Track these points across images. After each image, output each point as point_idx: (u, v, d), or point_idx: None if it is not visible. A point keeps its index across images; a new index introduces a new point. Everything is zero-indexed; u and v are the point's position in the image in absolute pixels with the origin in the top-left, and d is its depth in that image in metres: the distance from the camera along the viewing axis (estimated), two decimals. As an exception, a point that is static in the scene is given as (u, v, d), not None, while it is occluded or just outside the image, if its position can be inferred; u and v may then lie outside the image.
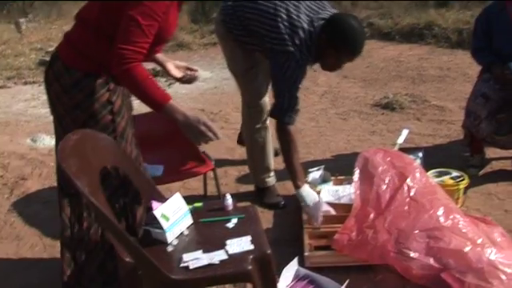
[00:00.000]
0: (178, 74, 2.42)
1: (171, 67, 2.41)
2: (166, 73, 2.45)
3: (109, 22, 1.92)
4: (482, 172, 3.45)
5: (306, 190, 2.78)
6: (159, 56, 2.35)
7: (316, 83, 5.75)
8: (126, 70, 1.84)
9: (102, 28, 1.95)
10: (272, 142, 3.17)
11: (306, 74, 2.73)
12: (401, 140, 3.00)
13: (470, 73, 5.38)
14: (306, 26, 2.59)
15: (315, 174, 3.10)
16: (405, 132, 3.09)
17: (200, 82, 6.31)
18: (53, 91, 2.05)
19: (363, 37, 2.62)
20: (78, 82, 1.98)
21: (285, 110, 2.73)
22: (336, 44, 2.55)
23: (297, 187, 2.79)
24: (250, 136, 3.17)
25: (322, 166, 3.18)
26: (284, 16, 2.61)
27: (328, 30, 2.56)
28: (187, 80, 2.46)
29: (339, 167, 3.35)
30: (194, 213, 2.07)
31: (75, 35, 2.04)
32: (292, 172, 2.81)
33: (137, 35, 1.84)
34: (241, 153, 3.76)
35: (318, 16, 2.62)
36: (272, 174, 3.23)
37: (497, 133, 3.24)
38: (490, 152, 3.58)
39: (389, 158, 2.59)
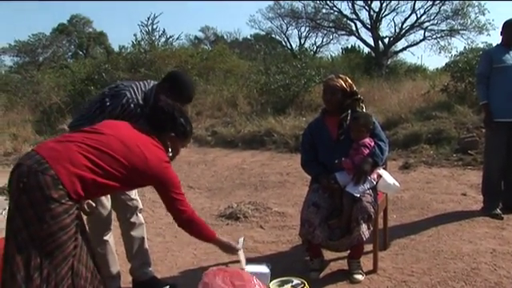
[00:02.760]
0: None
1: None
2: None
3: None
4: (322, 274, 3.60)
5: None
6: None
7: (163, 195, 5.74)
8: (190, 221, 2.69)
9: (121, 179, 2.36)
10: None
11: None
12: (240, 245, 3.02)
13: (307, 177, 5.75)
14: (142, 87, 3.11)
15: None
16: (240, 240, 3.12)
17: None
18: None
19: (194, 87, 3.29)
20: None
21: None
22: (175, 91, 3.04)
23: None
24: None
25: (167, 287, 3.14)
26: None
27: (169, 81, 3.10)
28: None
29: (187, 285, 3.32)
30: None
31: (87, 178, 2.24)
32: None
33: (182, 200, 2.63)
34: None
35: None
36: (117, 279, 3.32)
37: (330, 238, 3.43)
38: (329, 254, 3.76)
39: (229, 278, 2.63)
